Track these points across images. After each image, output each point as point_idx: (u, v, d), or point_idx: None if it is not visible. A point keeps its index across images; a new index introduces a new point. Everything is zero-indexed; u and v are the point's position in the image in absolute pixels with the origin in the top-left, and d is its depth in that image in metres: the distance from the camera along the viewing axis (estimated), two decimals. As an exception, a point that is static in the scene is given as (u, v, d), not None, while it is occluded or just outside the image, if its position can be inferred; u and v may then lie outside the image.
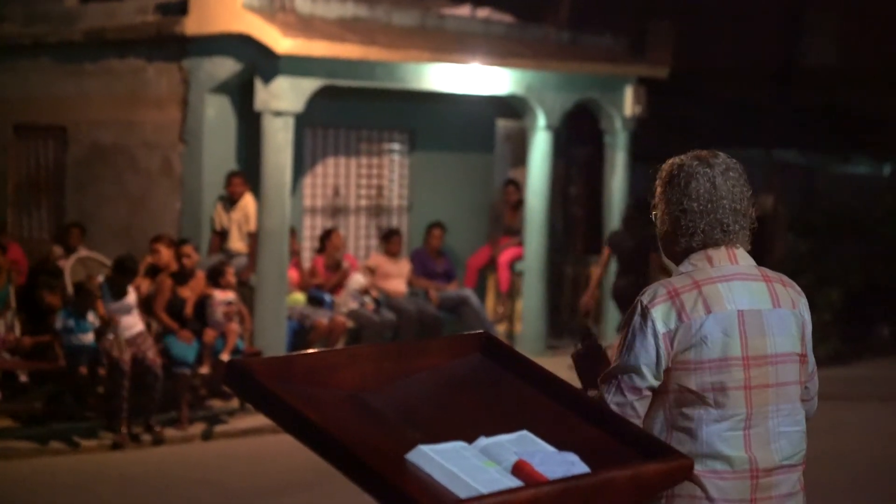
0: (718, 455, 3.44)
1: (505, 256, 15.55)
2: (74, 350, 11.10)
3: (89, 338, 11.16)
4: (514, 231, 15.60)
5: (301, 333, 12.98)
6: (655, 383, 3.48)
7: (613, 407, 3.45)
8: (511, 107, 15.20)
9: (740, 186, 3.62)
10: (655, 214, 3.71)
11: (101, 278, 11.56)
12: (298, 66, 12.61)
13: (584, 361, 3.77)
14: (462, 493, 2.77)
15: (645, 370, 3.47)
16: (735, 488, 3.45)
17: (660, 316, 3.49)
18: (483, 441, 2.97)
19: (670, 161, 3.71)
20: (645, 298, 3.53)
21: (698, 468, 3.42)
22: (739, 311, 3.51)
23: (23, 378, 11.52)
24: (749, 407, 3.48)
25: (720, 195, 3.58)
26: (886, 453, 11.26)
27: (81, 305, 11.29)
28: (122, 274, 11.46)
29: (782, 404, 3.53)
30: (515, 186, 15.80)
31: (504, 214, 15.79)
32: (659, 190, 3.69)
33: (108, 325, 11.11)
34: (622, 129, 15.60)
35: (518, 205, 15.63)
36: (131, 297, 11.45)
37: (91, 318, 11.26)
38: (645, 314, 3.50)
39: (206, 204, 13.34)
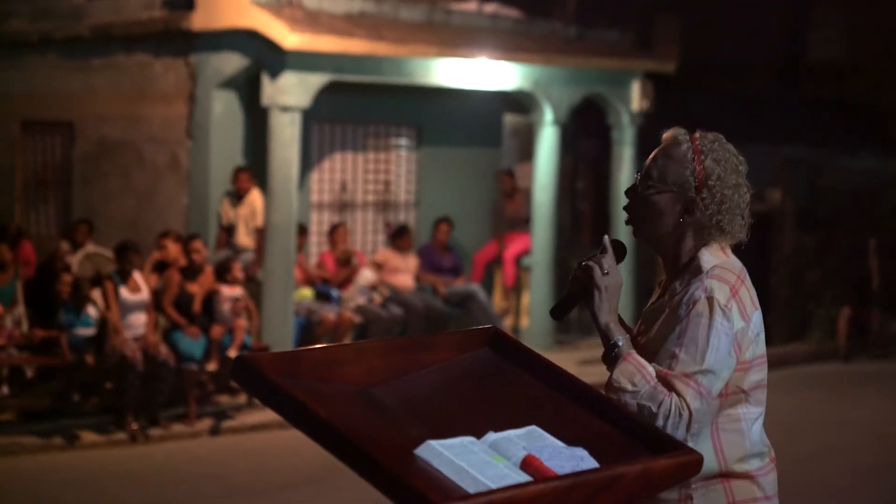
0: (759, 452, 3.41)
1: (510, 251, 15.52)
2: (78, 345, 11.12)
3: (91, 332, 11.21)
4: (517, 222, 15.52)
5: (308, 328, 12.98)
6: (722, 389, 3.30)
7: (694, 413, 3.18)
8: (518, 102, 15.18)
9: None
10: (705, 194, 3.33)
11: (111, 272, 11.61)
12: (305, 61, 12.60)
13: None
14: (470, 488, 2.77)
15: (726, 375, 3.27)
16: (774, 481, 3.45)
17: (734, 316, 3.26)
18: (491, 436, 2.96)
19: (706, 134, 3.39)
20: (720, 297, 3.25)
21: (749, 468, 3.38)
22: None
23: (30, 374, 11.53)
24: (766, 401, 3.47)
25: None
26: (891, 448, 11.24)
27: (79, 300, 11.31)
28: (123, 257, 11.50)
29: None
30: (509, 175, 15.70)
31: (504, 206, 15.68)
32: (712, 165, 3.34)
33: (108, 324, 11.13)
34: (629, 124, 15.58)
35: (513, 192, 15.53)
36: (145, 293, 11.47)
37: (91, 312, 11.28)
38: (727, 314, 3.24)
39: (213, 199, 13.34)
